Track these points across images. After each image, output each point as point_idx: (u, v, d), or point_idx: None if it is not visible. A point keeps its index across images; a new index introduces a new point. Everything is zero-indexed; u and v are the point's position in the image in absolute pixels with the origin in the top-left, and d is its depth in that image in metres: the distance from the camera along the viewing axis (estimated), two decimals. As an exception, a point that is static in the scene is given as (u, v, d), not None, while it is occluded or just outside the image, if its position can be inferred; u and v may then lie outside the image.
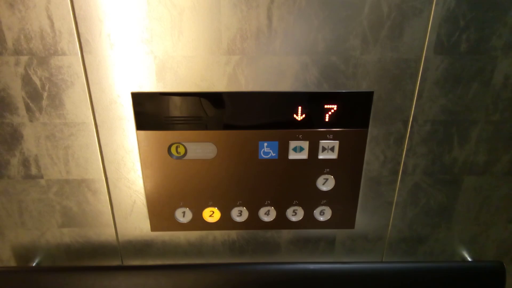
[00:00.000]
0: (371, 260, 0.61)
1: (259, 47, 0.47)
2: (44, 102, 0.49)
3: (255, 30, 0.46)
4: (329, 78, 0.48)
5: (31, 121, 0.50)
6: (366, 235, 0.59)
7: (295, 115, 0.50)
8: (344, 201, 0.56)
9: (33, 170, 0.53)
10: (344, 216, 0.57)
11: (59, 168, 0.53)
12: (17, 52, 0.46)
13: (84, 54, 0.47)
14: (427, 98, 0.50)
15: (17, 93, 0.48)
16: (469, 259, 0.60)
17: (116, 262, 0.60)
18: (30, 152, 0.52)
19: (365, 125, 0.51)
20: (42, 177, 0.54)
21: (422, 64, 0.48)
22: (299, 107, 0.50)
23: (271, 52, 0.47)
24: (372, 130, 0.52)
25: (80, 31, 0.45)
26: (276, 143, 0.52)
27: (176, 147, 0.52)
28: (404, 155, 0.53)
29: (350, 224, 0.58)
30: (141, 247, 0.59)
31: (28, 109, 0.49)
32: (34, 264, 0.60)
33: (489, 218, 0.59)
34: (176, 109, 0.50)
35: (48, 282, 0.55)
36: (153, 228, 0.57)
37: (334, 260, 0.61)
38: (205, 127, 0.51)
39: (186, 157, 0.53)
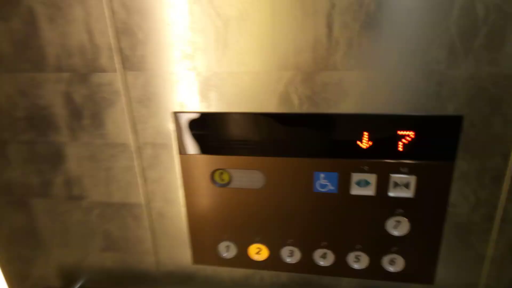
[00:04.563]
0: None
1: (316, 61, 0.39)
2: (85, 121, 0.47)
3: (312, 41, 0.38)
4: (404, 98, 0.39)
5: (73, 140, 0.48)
6: (448, 293, 0.47)
7: (359, 142, 0.41)
8: (421, 250, 0.45)
9: (76, 191, 0.51)
10: (421, 268, 0.46)
11: (100, 190, 0.50)
12: (58, 69, 0.44)
13: (124, 70, 0.43)
14: (539, 125, 0.38)
15: (59, 111, 0.46)
16: None
17: (156, 292, 0.56)
18: (72, 172, 0.50)
19: (451, 157, 0.40)
20: (84, 198, 0.51)
21: (533, 80, 0.36)
22: (365, 133, 0.41)
23: (331, 67, 0.39)
24: (461, 164, 0.41)
25: (120, 46, 0.42)
26: (335, 175, 0.43)
27: (220, 174, 0.46)
28: (503, 198, 0.41)
29: (428, 279, 0.46)
30: (182, 279, 0.54)
31: (70, 128, 0.47)
32: (77, 286, 0.58)
33: None
34: (221, 131, 0.44)
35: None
36: (195, 260, 0.52)
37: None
38: (252, 153, 0.44)
39: (230, 185, 0.47)
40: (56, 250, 0.56)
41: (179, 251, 0.52)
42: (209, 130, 0.44)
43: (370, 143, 0.41)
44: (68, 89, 0.45)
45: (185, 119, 0.44)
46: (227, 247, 0.50)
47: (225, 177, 0.46)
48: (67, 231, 0.54)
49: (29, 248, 0.57)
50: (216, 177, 0.47)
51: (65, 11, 0.41)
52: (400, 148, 0.41)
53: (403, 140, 0.41)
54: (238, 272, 0.52)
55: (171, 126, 0.45)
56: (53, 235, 0.55)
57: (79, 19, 0.41)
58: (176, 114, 0.44)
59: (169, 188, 0.48)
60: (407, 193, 0.42)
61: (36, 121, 0.48)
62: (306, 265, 0.49)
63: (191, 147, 0.46)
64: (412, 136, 0.40)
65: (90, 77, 0.44)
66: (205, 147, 0.45)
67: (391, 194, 0.43)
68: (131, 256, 0.54)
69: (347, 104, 0.40)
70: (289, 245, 0.48)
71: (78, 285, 0.57)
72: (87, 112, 0.46)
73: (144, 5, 0.40)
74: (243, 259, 0.50)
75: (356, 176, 0.43)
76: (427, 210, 0.43)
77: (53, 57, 0.44)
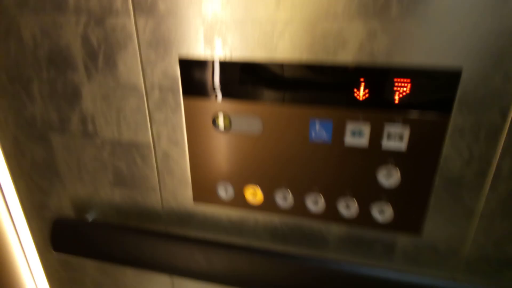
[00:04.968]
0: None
1: (316, 9, 0.39)
2: (100, 63, 0.50)
3: (313, -13, 0.39)
4: (402, 49, 0.39)
5: (89, 80, 0.51)
6: (435, 245, 0.48)
7: (356, 92, 0.42)
8: (411, 201, 0.46)
9: (90, 128, 0.55)
10: (409, 218, 0.47)
11: (112, 129, 0.54)
12: (77, 11, 0.47)
13: (137, 15, 0.45)
14: (539, 80, 0.37)
15: (78, 52, 0.50)
16: None
17: (159, 228, 0.60)
18: (88, 110, 0.54)
19: (447, 110, 0.41)
20: (97, 136, 0.55)
21: (537, 33, 0.35)
22: (362, 83, 0.42)
23: (332, 16, 0.39)
24: (456, 118, 0.41)
25: (132, -12, 0.44)
26: (330, 123, 0.45)
27: (222, 118, 0.49)
28: (498, 155, 0.41)
29: (416, 229, 0.48)
30: (183, 216, 0.58)
31: (86, 68, 0.50)
32: (89, 217, 0.63)
33: None
34: (223, 77, 0.46)
35: (96, 236, 0.57)
36: (196, 199, 0.55)
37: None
38: (252, 99, 0.46)
39: (231, 130, 0.49)
40: (71, 183, 0.62)
41: (181, 191, 0.56)
42: (212, 75, 0.46)
43: (367, 93, 0.42)
44: (85, 31, 0.48)
45: (190, 64, 0.46)
46: (225, 188, 0.53)
47: (226, 122, 0.49)
48: (81, 166, 0.59)
49: (47, 180, 0.63)
50: (218, 122, 0.49)
51: (81, -49, 0.43)
52: (396, 99, 0.41)
53: (400, 91, 0.41)
54: (235, 213, 0.55)
55: (177, 70, 0.47)
56: (69, 169, 0.60)
57: (94, -40, 0.43)
58: (181, 59, 0.46)
59: (174, 130, 0.51)
60: (400, 145, 0.43)
61: (57, 61, 0.51)
62: (298, 209, 0.51)
63: (195, 91, 0.48)
64: (409, 87, 0.41)
65: (106, 20, 0.46)
66: (208, 91, 0.47)
67: (384, 144, 0.44)
68: (138, 193, 0.58)
69: (346, 53, 0.41)
70: (283, 189, 0.50)
71: (90, 215, 0.62)
72: (102, 54, 0.49)
73: None
74: (239, 201, 0.53)
75: (350, 126, 0.44)
76: (419, 162, 0.44)
77: (73, 0, 0.46)
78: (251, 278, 0.50)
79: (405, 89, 0.41)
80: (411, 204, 0.46)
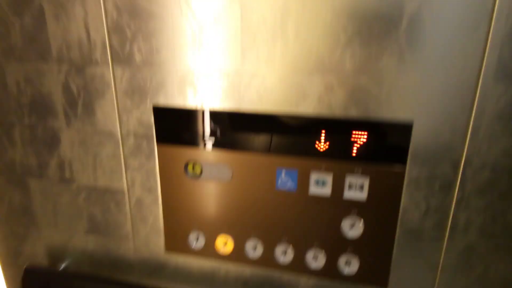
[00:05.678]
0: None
1: (280, 63, 0.43)
2: (79, 109, 0.52)
3: (275, 45, 0.42)
4: (358, 103, 0.42)
5: (67, 126, 0.53)
6: (403, 300, 0.47)
7: (317, 143, 0.44)
8: (376, 252, 0.46)
9: (67, 174, 0.56)
10: (376, 271, 0.47)
11: (88, 174, 0.55)
12: (59, 60, 0.50)
13: (114, 65, 0.49)
14: (485, 136, 0.39)
15: (58, 99, 0.52)
16: None
17: (131, 277, 0.59)
18: (65, 156, 0.55)
19: (403, 162, 0.42)
20: (74, 181, 0.56)
21: (478, 92, 0.38)
22: (322, 134, 0.44)
23: (291, 71, 0.42)
24: (411, 170, 0.42)
25: (111, 42, 0.48)
26: (295, 172, 0.46)
27: (193, 165, 0.50)
28: (453, 207, 0.42)
29: (382, 282, 0.47)
30: (155, 266, 0.57)
31: (66, 115, 0.53)
32: (63, 265, 0.62)
33: None
34: (194, 126, 0.48)
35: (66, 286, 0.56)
36: (167, 248, 0.55)
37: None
38: (222, 147, 0.48)
39: (202, 177, 0.50)
40: (46, 229, 0.61)
41: (153, 239, 0.56)
42: (184, 124, 0.48)
43: (327, 144, 0.44)
44: (66, 79, 0.51)
45: (163, 112, 0.49)
46: (197, 237, 0.53)
47: (197, 169, 0.50)
48: (57, 212, 0.59)
49: (22, 226, 0.63)
50: (190, 169, 0.50)
51: (68, 9, 0.47)
52: (355, 151, 0.43)
53: (358, 143, 0.43)
54: (206, 263, 0.55)
55: (151, 118, 0.50)
56: (44, 215, 0.60)
57: (79, 17, 0.47)
58: (156, 107, 0.49)
59: (148, 177, 0.53)
60: (361, 195, 0.44)
61: (38, 107, 0.54)
62: (268, 260, 0.51)
63: (168, 139, 0.50)
64: (365, 139, 0.43)
65: (86, 69, 0.50)
66: (180, 139, 0.49)
67: (346, 194, 0.45)
68: (111, 241, 0.58)
69: (307, 105, 0.43)
70: (253, 239, 0.51)
71: (64, 263, 0.61)
72: (81, 101, 0.52)
73: (133, 6, 0.45)
74: (210, 250, 0.53)
75: (314, 175, 0.45)
76: (380, 213, 0.45)
77: (56, 49, 0.50)
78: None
79: (362, 140, 0.43)
80: (376, 256, 0.46)
